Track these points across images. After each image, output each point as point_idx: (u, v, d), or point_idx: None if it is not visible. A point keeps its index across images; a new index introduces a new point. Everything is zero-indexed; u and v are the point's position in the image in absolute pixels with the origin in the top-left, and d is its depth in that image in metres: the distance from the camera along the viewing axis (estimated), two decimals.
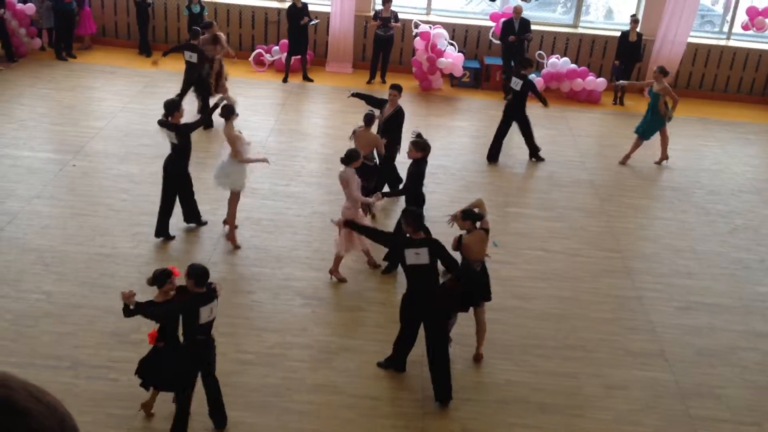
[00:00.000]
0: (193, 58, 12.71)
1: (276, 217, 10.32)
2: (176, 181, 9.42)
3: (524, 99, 12.41)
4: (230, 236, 9.51)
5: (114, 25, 16.75)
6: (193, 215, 9.80)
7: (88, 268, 8.82)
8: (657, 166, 13.09)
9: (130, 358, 7.38)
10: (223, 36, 13.32)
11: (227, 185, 9.35)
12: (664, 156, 13.09)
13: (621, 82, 13.99)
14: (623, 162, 13.03)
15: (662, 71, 12.60)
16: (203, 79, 12.91)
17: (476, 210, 7.79)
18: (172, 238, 9.55)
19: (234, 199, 9.41)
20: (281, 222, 10.21)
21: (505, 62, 15.66)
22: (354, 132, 9.96)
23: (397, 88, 10.56)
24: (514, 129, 12.68)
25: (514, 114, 12.52)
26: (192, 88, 12.99)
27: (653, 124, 12.79)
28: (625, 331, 8.69)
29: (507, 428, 7.11)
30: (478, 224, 7.68)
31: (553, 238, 10.48)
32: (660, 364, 8.16)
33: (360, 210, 8.81)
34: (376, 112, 10.39)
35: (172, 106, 9.20)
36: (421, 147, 8.79)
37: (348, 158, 8.65)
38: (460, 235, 7.69)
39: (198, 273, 6.23)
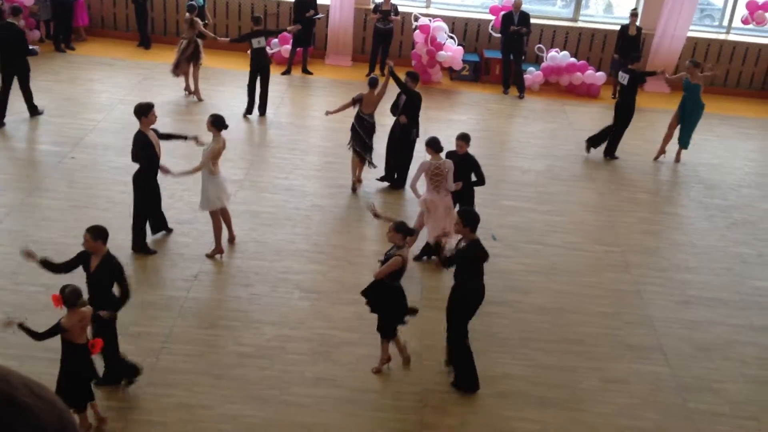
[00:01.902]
0: (261, 43, 13.05)
1: (275, 210, 10.31)
2: (143, 192, 9.01)
3: (633, 94, 12.60)
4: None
5: (113, 17, 16.69)
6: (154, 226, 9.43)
7: None
8: (654, 161, 13.08)
9: (128, 351, 7.38)
10: (199, 22, 13.64)
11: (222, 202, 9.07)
12: (662, 151, 13.12)
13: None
14: (677, 160, 13.14)
15: (695, 64, 12.71)
16: (268, 66, 13.31)
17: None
18: (170, 231, 9.53)
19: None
20: (280, 215, 10.20)
21: (505, 56, 15.63)
22: (360, 97, 10.69)
23: (411, 77, 10.79)
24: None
25: (623, 109, 12.70)
26: (258, 78, 13.26)
27: (692, 122, 12.82)
28: (625, 325, 8.69)
29: (505, 422, 7.12)
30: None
31: (552, 232, 10.47)
32: (659, 358, 8.17)
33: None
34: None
35: (139, 111, 8.71)
36: (468, 140, 9.27)
37: (439, 146, 8.96)
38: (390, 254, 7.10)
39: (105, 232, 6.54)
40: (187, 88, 13.93)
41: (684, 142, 12.98)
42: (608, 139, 12.93)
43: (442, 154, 9.14)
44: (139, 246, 9.10)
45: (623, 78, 12.66)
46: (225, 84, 14.70)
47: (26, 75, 12.13)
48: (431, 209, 8.99)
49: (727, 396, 7.72)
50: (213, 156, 8.69)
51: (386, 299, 7.28)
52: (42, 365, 7.05)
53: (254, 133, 12.79)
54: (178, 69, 13.66)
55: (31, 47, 12.47)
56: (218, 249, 9.11)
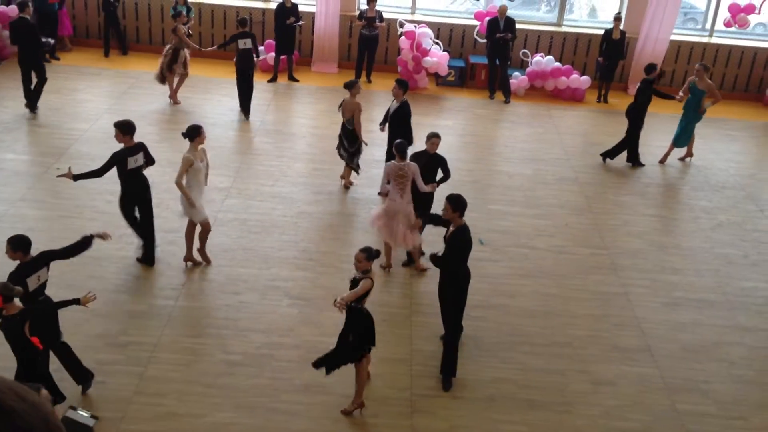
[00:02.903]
0: (247, 44, 13.20)
1: (262, 217, 10.31)
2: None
3: (645, 102, 12.53)
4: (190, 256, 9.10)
5: (97, 26, 16.66)
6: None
7: (74, 270, 8.76)
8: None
9: (117, 360, 7.38)
10: (182, 29, 13.70)
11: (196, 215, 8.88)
12: (689, 153, 13.32)
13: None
14: (663, 161, 13.23)
15: (705, 68, 12.75)
16: (253, 69, 13.45)
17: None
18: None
19: (190, 229, 9.00)
20: (268, 222, 10.20)
21: (491, 61, 15.70)
22: (342, 101, 10.87)
23: (400, 84, 10.77)
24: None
25: (635, 116, 12.67)
26: (244, 77, 13.44)
27: (691, 125, 12.91)
28: (612, 327, 8.73)
29: (495, 425, 7.14)
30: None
31: (538, 235, 10.52)
32: (647, 360, 8.22)
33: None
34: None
35: (120, 127, 8.54)
36: (440, 138, 9.43)
37: (405, 153, 8.95)
38: (358, 278, 6.88)
39: (23, 242, 6.47)
40: (172, 95, 13.95)
41: (679, 142, 13.11)
42: (626, 147, 12.91)
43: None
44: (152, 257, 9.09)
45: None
46: (210, 92, 14.70)
47: (40, 69, 12.91)
48: (383, 217, 8.98)
49: (715, 396, 7.77)
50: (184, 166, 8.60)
51: (358, 323, 6.93)
52: None
53: (241, 140, 12.79)
54: (163, 77, 13.72)
55: (44, 39, 13.47)
56: (187, 256, 9.09)
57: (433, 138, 9.25)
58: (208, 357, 7.67)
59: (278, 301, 8.63)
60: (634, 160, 12.99)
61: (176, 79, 13.89)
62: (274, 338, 7.99)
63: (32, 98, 12.96)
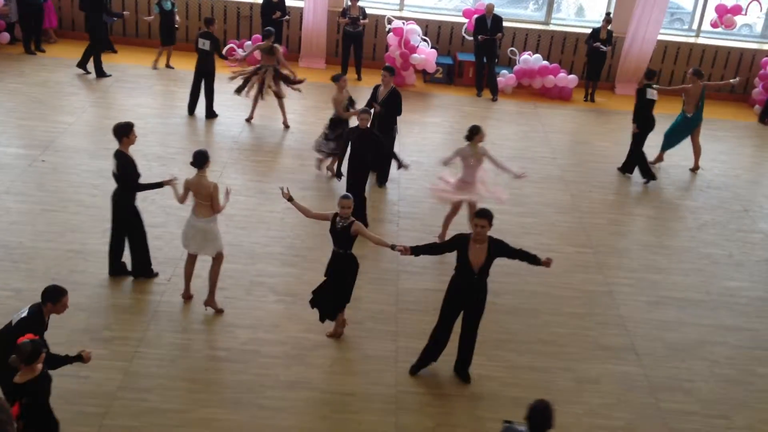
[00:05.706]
0: (206, 45, 12.87)
1: (249, 212, 10.28)
2: (122, 218, 8.46)
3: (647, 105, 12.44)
4: (210, 300, 8.31)
5: (83, 18, 16.50)
6: (142, 268, 8.72)
7: (58, 264, 8.72)
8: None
9: (101, 355, 7.33)
10: (280, 49, 13.01)
11: (211, 250, 8.21)
12: (660, 158, 13.26)
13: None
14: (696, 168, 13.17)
15: (697, 74, 12.74)
16: (213, 72, 13.10)
17: None
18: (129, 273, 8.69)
19: (219, 261, 8.28)
20: (254, 218, 10.17)
21: (478, 58, 15.72)
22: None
23: (388, 70, 11.21)
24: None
25: (646, 123, 12.47)
26: (203, 81, 13.11)
27: (682, 129, 12.96)
28: (597, 325, 8.77)
29: (480, 423, 7.15)
30: None
31: (525, 233, 10.54)
32: (631, 358, 8.26)
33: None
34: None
35: (120, 131, 8.08)
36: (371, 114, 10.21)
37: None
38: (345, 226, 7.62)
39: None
40: (250, 117, 13.33)
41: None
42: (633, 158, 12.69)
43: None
44: (116, 270, 8.63)
45: (652, 94, 12.26)
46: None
47: (99, 37, 14.50)
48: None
49: (698, 395, 7.82)
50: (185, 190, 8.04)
51: (353, 267, 7.76)
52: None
53: (227, 136, 12.73)
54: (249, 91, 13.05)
55: (111, 18, 15.02)
56: (210, 297, 8.31)
57: (363, 114, 9.82)
58: (194, 352, 7.65)
59: (264, 297, 8.61)
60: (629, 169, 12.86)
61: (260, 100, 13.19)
62: (259, 334, 7.98)
63: (97, 68, 14.39)
